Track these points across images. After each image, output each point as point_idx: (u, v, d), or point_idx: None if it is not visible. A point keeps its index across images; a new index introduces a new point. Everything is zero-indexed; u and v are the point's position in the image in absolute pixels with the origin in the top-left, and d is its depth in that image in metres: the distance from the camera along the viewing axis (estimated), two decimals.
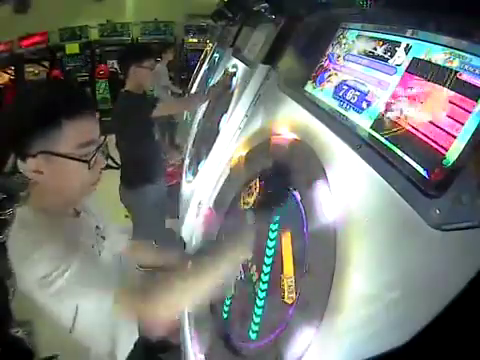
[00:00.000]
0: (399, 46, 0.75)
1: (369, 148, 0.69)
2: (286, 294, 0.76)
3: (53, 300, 0.75)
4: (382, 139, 0.70)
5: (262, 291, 0.89)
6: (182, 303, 0.83)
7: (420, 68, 0.68)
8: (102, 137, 0.81)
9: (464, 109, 0.56)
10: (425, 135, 0.61)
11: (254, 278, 0.94)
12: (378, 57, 0.81)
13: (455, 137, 0.56)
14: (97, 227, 0.96)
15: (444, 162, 0.56)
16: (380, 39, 0.82)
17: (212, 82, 2.55)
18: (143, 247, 1.22)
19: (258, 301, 0.89)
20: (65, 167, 0.75)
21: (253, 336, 0.87)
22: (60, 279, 0.69)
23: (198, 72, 4.06)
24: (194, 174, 2.03)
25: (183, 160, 2.49)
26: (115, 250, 1.07)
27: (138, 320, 0.97)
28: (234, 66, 2.03)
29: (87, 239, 0.88)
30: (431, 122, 0.61)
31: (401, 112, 0.69)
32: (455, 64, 0.60)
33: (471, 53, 0.57)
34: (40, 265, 0.70)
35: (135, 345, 1.09)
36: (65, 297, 0.73)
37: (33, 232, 0.74)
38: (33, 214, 0.78)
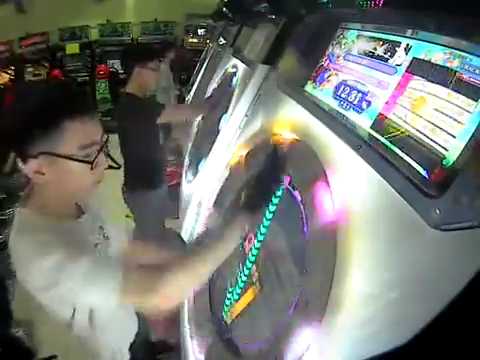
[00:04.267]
0: (399, 46, 0.75)
1: (369, 148, 0.69)
2: None
3: (58, 302, 0.77)
4: (382, 139, 0.70)
5: (262, 291, 0.89)
6: (185, 285, 0.79)
7: (420, 68, 0.68)
8: (104, 137, 0.80)
9: (464, 109, 0.56)
10: (425, 135, 0.61)
11: (254, 278, 0.94)
12: (378, 57, 0.81)
13: (455, 137, 0.56)
14: (100, 227, 0.95)
15: (444, 162, 0.56)
16: (380, 39, 0.82)
17: (212, 82, 2.55)
18: (143, 248, 1.19)
19: (258, 301, 0.89)
20: (67, 168, 0.74)
21: (253, 336, 0.87)
22: (68, 282, 0.70)
23: (198, 72, 4.06)
24: (194, 174, 2.03)
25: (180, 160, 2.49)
26: (116, 248, 1.06)
27: (143, 310, 0.94)
28: (234, 66, 2.03)
29: (91, 239, 0.87)
30: (431, 122, 0.61)
31: (401, 112, 0.69)
32: (455, 64, 0.60)
33: (471, 53, 0.57)
34: (46, 272, 0.69)
35: (132, 344, 1.08)
36: (73, 298, 0.74)
37: (36, 238, 0.73)
38: (35, 218, 0.77)
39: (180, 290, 0.78)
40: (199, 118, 2.53)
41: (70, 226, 0.82)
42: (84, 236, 0.85)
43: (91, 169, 0.76)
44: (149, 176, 2.04)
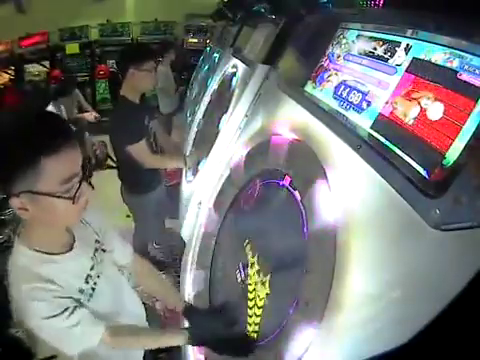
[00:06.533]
0: (399, 46, 0.75)
1: (369, 148, 0.69)
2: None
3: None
4: (382, 139, 0.70)
5: (262, 291, 0.89)
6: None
7: (420, 68, 0.68)
8: (86, 162, 0.78)
9: (464, 109, 0.56)
10: (425, 135, 0.61)
11: (254, 278, 0.94)
12: (378, 57, 0.81)
13: (455, 137, 0.56)
14: (97, 241, 0.96)
15: (444, 162, 0.56)
16: (380, 39, 0.82)
17: (212, 82, 2.55)
18: (146, 271, 1.19)
19: (258, 301, 0.89)
20: (49, 204, 0.73)
21: (253, 336, 0.87)
22: (59, 323, 0.78)
23: (198, 72, 4.06)
24: (194, 174, 2.03)
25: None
26: (120, 263, 1.09)
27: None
28: (234, 66, 2.03)
29: (85, 265, 0.89)
30: (431, 122, 0.61)
31: (401, 112, 0.69)
32: (455, 64, 0.60)
33: (471, 53, 0.57)
34: (33, 318, 0.77)
35: None
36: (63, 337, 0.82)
37: (28, 284, 0.76)
38: (28, 257, 0.78)
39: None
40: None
41: (61, 263, 0.82)
42: (75, 268, 0.86)
43: (73, 203, 0.74)
44: (141, 179, 2.01)
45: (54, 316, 0.77)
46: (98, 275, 0.91)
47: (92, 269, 0.90)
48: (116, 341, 0.90)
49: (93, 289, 0.89)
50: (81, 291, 0.86)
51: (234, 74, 1.95)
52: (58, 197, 0.72)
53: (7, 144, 0.69)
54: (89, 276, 0.89)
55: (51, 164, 0.69)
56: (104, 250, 0.97)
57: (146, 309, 1.21)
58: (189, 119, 3.13)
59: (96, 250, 0.94)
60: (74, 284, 0.85)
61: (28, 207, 0.72)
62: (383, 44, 0.80)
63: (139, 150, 1.82)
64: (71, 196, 0.74)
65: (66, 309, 0.79)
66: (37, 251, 0.79)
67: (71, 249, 0.86)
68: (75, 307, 0.81)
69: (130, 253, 1.12)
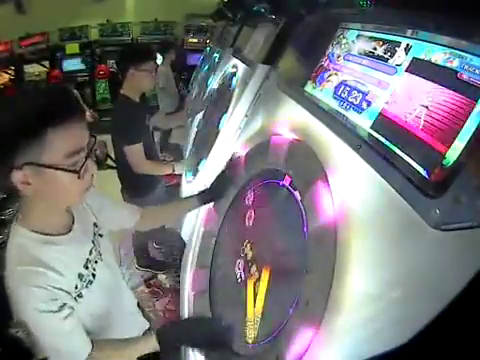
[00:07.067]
0: (399, 46, 0.75)
1: (369, 148, 0.69)
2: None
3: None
4: (382, 139, 0.70)
5: (262, 291, 0.89)
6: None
7: (420, 68, 0.68)
8: (92, 141, 0.77)
9: (464, 109, 0.56)
10: (425, 135, 0.61)
11: (254, 278, 0.94)
12: (378, 57, 0.81)
13: (455, 137, 0.56)
14: (95, 225, 0.95)
15: (444, 162, 0.56)
16: (380, 39, 0.82)
17: (212, 82, 2.55)
18: (149, 214, 1.17)
19: (258, 301, 0.89)
20: (53, 178, 0.71)
21: (253, 336, 0.87)
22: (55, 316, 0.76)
23: (198, 72, 4.06)
24: (194, 174, 2.03)
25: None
26: (129, 225, 1.11)
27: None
28: (234, 66, 2.03)
29: (85, 248, 0.89)
30: (431, 122, 0.61)
31: (401, 112, 0.69)
32: (455, 64, 0.60)
33: (471, 53, 0.57)
34: (34, 299, 0.74)
35: None
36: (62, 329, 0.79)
37: (26, 262, 0.74)
38: (27, 238, 0.77)
39: None
40: (199, 116, 2.53)
41: (60, 244, 0.81)
42: (75, 251, 0.85)
43: (78, 178, 0.73)
44: (140, 181, 2.00)
45: (49, 311, 0.74)
46: (96, 260, 0.91)
47: (91, 253, 0.89)
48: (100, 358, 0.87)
49: (93, 275, 0.88)
50: (80, 276, 0.84)
51: (234, 74, 1.95)
52: (63, 170, 0.71)
53: (13, 115, 0.67)
54: (88, 260, 0.87)
55: (57, 136, 0.68)
56: (101, 235, 0.96)
57: (143, 310, 1.21)
58: (189, 119, 3.13)
59: (94, 234, 0.94)
60: (74, 268, 0.83)
61: (31, 181, 0.70)
62: (383, 44, 0.80)
63: (134, 153, 1.83)
64: (77, 169, 0.73)
65: (62, 307, 0.77)
66: (36, 232, 0.78)
67: (70, 231, 0.85)
68: (71, 309, 0.79)
69: (136, 211, 1.12)
